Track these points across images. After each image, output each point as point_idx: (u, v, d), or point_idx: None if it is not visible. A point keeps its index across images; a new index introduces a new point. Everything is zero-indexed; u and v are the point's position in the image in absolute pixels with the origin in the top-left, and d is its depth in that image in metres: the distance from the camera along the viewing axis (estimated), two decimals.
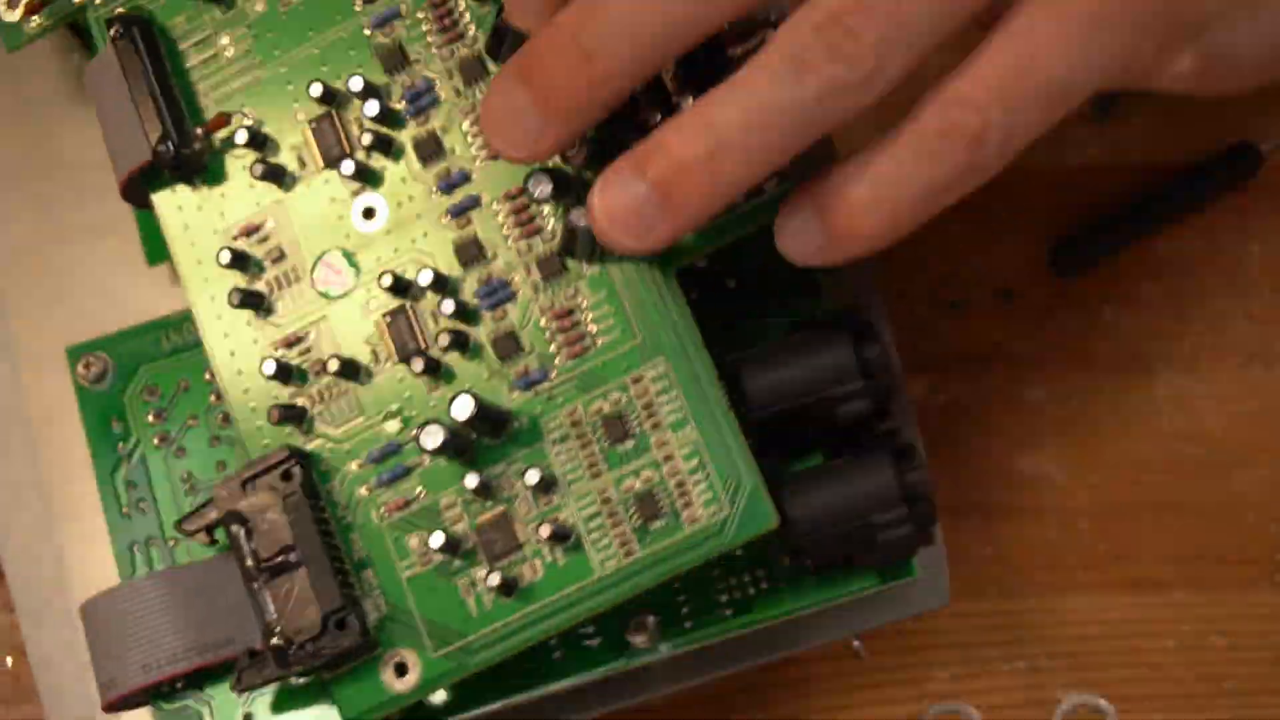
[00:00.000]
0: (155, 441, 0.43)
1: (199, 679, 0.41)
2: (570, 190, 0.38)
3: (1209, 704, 0.45)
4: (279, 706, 0.41)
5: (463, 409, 0.37)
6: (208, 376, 0.43)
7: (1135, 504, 0.46)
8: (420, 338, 0.39)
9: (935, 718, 0.45)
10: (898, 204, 0.35)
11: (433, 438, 0.37)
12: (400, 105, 0.39)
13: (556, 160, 0.38)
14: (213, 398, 0.43)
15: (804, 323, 0.39)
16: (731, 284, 0.42)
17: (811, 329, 0.39)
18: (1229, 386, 0.47)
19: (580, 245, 0.38)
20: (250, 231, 0.40)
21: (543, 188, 0.37)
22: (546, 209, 0.38)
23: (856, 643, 0.46)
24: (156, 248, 0.43)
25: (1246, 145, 0.48)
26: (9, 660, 0.46)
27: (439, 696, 0.40)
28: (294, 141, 0.40)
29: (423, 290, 0.39)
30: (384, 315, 0.39)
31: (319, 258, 0.40)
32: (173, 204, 0.40)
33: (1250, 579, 0.46)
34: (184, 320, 0.43)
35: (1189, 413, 0.47)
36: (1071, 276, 0.48)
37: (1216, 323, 0.48)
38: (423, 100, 0.39)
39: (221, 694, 0.41)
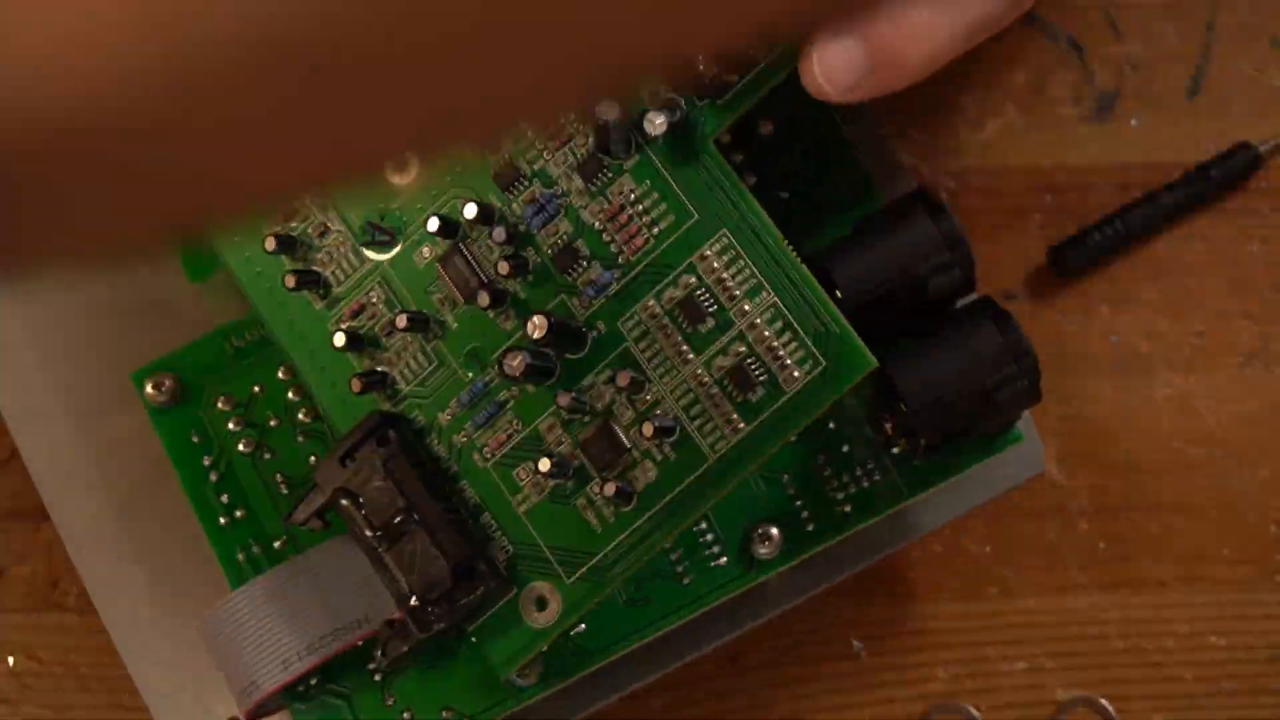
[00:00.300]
0: (241, 448, 0.42)
1: (334, 672, 0.40)
2: None
3: (1208, 704, 0.45)
4: (424, 687, 0.40)
5: (538, 329, 0.37)
6: (281, 374, 0.42)
7: (1135, 504, 0.46)
8: (480, 271, 0.38)
9: (935, 718, 0.45)
10: (952, 31, 0.36)
11: (515, 363, 0.37)
12: None
13: None
14: (290, 394, 0.42)
15: (870, 215, 0.39)
16: (785, 195, 0.42)
17: (884, 214, 0.39)
18: (1229, 386, 0.47)
19: (613, 139, 0.37)
20: (290, 215, 0.40)
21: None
22: (571, 115, 0.38)
23: (857, 643, 0.46)
24: (196, 263, 0.43)
25: (1246, 145, 0.48)
26: (10, 660, 0.47)
27: (583, 631, 0.40)
28: None
29: (471, 224, 0.38)
30: (438, 259, 0.39)
31: (363, 221, 0.40)
32: None
33: (1249, 579, 0.46)
34: (244, 324, 0.43)
35: (1189, 413, 0.47)
36: (1071, 276, 0.48)
37: (1216, 323, 0.48)
38: None
39: (361, 684, 0.41)
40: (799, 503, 0.41)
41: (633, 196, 0.38)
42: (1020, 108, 0.49)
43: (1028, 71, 0.49)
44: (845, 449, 0.40)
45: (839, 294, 0.38)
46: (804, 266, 0.37)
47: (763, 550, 0.40)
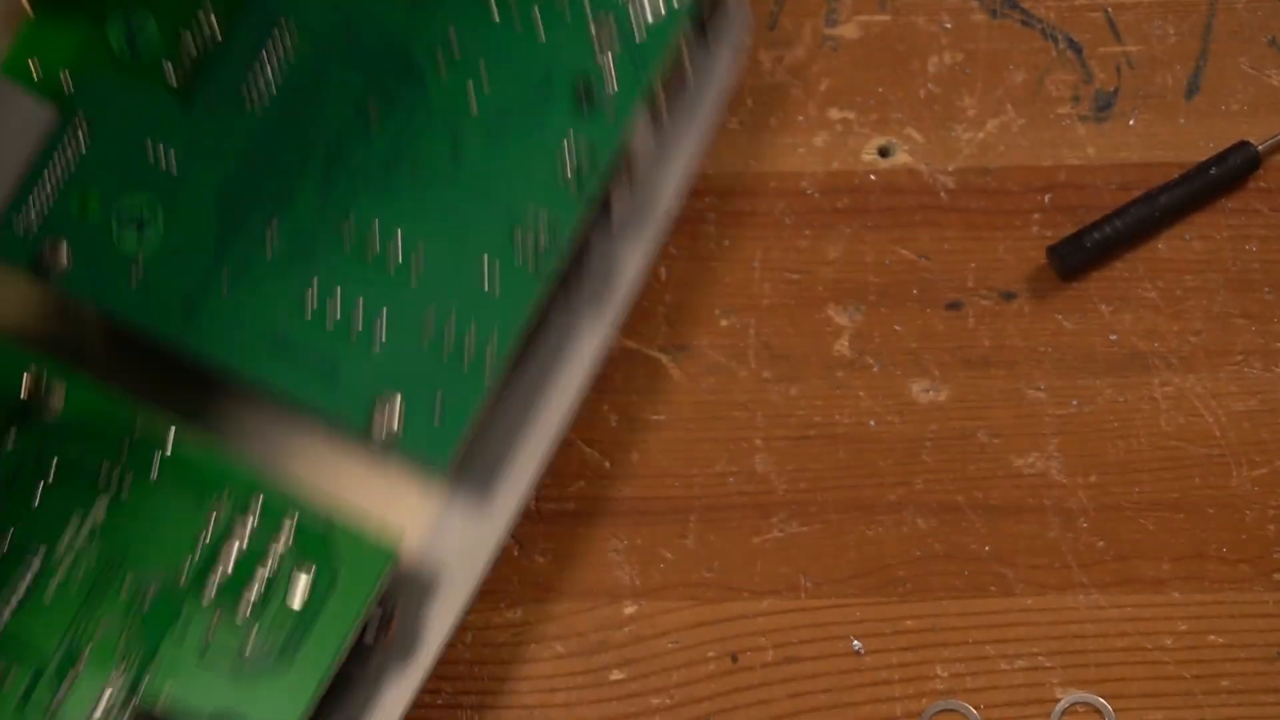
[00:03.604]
0: None
1: None
2: None
3: (1207, 702, 0.45)
4: None
5: None
6: None
7: (1135, 504, 0.46)
8: None
9: (935, 716, 0.45)
10: None
11: None
12: None
13: None
14: None
15: None
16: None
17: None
18: (1229, 386, 0.47)
19: None
20: None
21: None
22: None
23: (857, 643, 0.46)
24: None
25: (1245, 145, 0.48)
26: None
27: None
28: None
29: None
30: None
31: None
32: None
33: (1248, 578, 0.46)
34: None
35: (1189, 413, 0.47)
36: (1071, 276, 0.48)
37: (1216, 323, 0.48)
38: None
39: None
40: None
41: None
42: (1020, 108, 0.49)
43: (1027, 71, 0.49)
44: None
45: None
46: None
47: None
